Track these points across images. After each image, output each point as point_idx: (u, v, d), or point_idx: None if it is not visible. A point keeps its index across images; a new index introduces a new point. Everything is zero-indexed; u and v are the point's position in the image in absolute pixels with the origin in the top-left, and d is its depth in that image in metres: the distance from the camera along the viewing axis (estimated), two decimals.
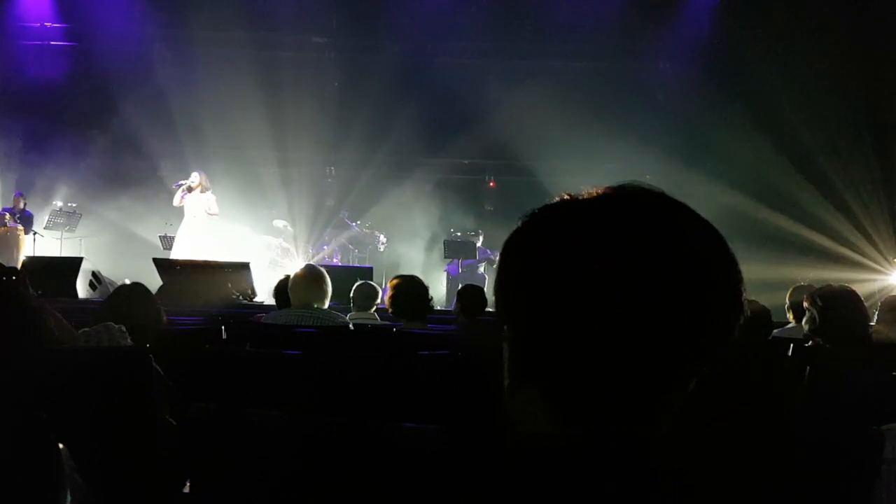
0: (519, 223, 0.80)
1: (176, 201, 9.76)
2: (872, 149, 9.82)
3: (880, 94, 9.61)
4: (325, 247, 11.38)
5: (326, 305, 4.34)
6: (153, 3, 11.50)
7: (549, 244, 0.76)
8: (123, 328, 2.78)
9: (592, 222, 0.75)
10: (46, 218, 10.76)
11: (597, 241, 0.73)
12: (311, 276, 4.33)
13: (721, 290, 0.74)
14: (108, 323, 2.79)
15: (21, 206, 10.63)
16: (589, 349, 0.72)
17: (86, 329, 2.76)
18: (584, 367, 0.73)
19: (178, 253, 9.47)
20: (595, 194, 0.77)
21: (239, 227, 10.94)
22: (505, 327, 0.79)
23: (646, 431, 0.73)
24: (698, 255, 0.74)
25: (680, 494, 0.71)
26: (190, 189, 9.65)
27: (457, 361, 2.71)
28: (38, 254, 10.03)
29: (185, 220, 9.80)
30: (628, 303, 0.71)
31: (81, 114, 11.26)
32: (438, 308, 6.90)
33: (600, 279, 0.71)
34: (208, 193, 9.75)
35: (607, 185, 0.78)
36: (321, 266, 4.75)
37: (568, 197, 0.79)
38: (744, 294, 0.75)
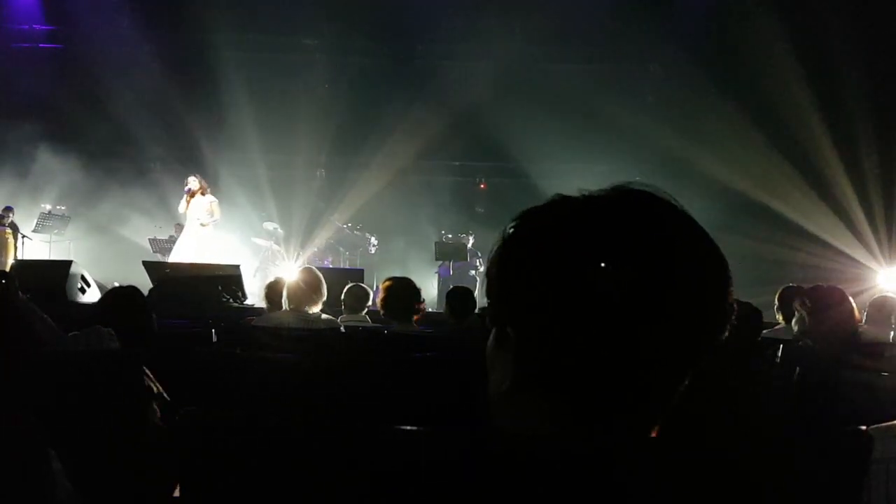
0: (512, 225, 0.79)
1: (181, 208, 9.71)
2: (864, 151, 9.87)
3: (876, 94, 9.67)
4: (316, 249, 11.35)
5: (319, 309, 4.34)
6: (142, 6, 11.46)
7: (546, 246, 0.76)
8: (112, 332, 2.76)
9: (591, 223, 0.75)
10: (35, 221, 10.69)
11: (592, 243, 0.74)
12: (309, 279, 4.33)
13: (712, 288, 0.76)
14: (97, 326, 2.78)
15: (9, 219, 10.40)
16: (589, 350, 0.72)
17: (75, 332, 2.74)
18: (585, 368, 0.73)
19: (180, 257, 9.44)
20: (590, 194, 0.78)
21: (229, 229, 10.91)
22: (494, 330, 0.79)
23: (644, 430, 0.74)
24: (691, 255, 0.75)
25: (676, 492, 0.72)
26: (192, 194, 9.60)
27: (447, 363, 2.71)
28: (26, 257, 9.97)
29: (188, 224, 9.76)
30: (627, 303, 0.71)
31: (71, 116, 11.18)
32: (430, 310, 6.89)
33: (599, 280, 0.72)
34: (209, 195, 9.71)
35: (603, 186, 0.79)
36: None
37: (561, 198, 0.79)
38: (732, 293, 0.77)
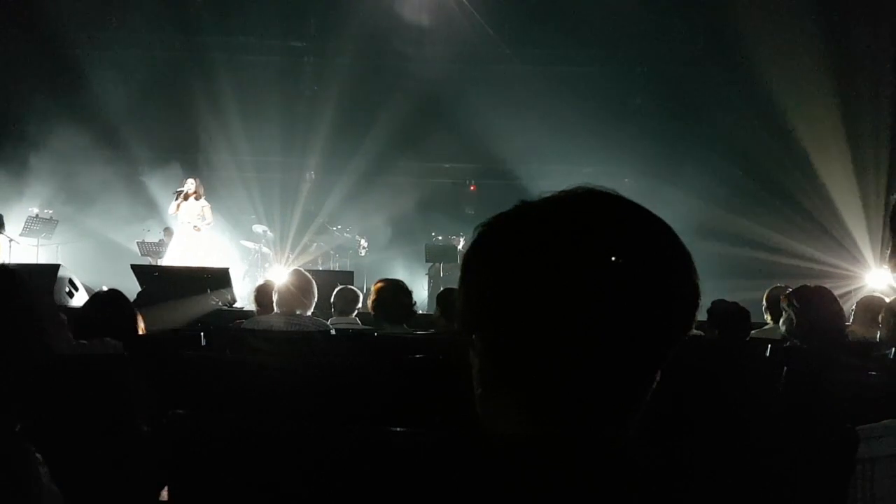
0: (477, 232, 0.80)
1: (171, 209, 9.69)
2: (856, 152, 9.93)
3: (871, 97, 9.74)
4: (306, 252, 11.33)
5: (310, 312, 4.33)
6: (129, 7, 11.40)
7: (509, 251, 0.76)
8: (120, 344, 2.75)
9: (551, 227, 0.76)
10: (22, 225, 10.61)
11: (555, 245, 0.74)
12: (299, 283, 4.31)
13: (678, 285, 0.76)
14: (106, 338, 2.76)
15: None
16: (556, 351, 0.73)
17: (83, 342, 2.72)
18: (553, 370, 0.73)
19: (171, 260, 9.41)
20: (549, 199, 0.79)
21: (218, 232, 10.88)
22: (473, 336, 0.80)
23: (617, 430, 0.74)
24: (655, 251, 0.76)
25: (654, 493, 0.72)
26: (186, 196, 9.56)
27: (437, 365, 2.71)
28: (13, 261, 9.88)
29: (180, 228, 9.73)
30: (591, 302, 0.72)
31: (58, 119, 11.10)
32: (421, 312, 6.89)
33: (560, 281, 0.72)
34: (202, 201, 9.69)
35: (560, 190, 0.79)
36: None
37: (523, 203, 0.80)
38: (699, 288, 0.77)
